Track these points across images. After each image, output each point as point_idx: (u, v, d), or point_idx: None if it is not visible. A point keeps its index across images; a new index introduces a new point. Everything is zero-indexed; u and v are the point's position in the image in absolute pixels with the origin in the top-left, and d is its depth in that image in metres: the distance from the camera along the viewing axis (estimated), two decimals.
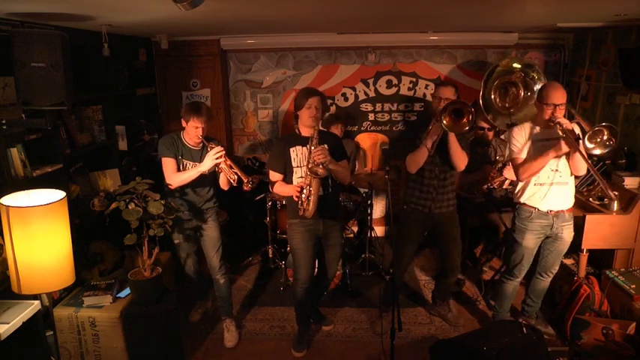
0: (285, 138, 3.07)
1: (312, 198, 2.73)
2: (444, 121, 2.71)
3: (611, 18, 3.24)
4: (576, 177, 3.58)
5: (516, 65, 4.23)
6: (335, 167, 2.79)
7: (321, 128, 2.97)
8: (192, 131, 2.95)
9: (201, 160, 2.98)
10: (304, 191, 2.74)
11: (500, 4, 2.75)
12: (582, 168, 2.78)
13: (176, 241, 3.19)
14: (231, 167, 2.96)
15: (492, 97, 4.19)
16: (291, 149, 2.88)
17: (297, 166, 2.88)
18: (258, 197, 4.22)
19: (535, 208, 2.90)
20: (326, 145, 2.80)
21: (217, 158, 2.87)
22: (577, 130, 2.67)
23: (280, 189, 2.95)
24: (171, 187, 3.00)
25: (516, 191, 3.01)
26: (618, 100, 3.81)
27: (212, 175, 3.12)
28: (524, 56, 4.67)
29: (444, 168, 3.08)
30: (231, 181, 2.97)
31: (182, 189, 3.06)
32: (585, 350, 2.66)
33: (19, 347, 2.35)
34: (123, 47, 3.99)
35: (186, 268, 3.33)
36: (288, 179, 2.93)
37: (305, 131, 2.88)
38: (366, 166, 4.96)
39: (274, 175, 2.95)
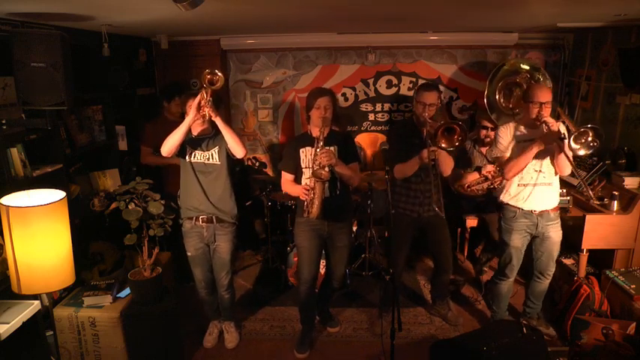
0: (298, 138, 3.09)
1: (315, 201, 2.73)
2: (442, 144, 2.77)
3: (611, 18, 3.24)
4: (576, 177, 3.60)
5: (524, 67, 4.23)
6: (341, 170, 2.77)
7: (334, 129, 2.95)
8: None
9: (209, 148, 2.87)
10: (310, 193, 2.74)
11: (500, 4, 2.75)
12: (567, 168, 2.80)
13: (189, 254, 3.03)
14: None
15: (497, 97, 4.20)
16: (301, 150, 2.90)
17: (306, 167, 2.88)
18: (248, 201, 4.21)
19: (519, 208, 2.93)
20: (332, 148, 2.78)
21: (199, 102, 2.64)
22: (563, 130, 2.68)
23: (289, 188, 2.96)
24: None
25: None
26: (618, 100, 3.81)
27: (225, 177, 2.92)
28: (524, 56, 4.66)
29: (430, 172, 3.02)
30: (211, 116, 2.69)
31: (191, 194, 2.89)
32: (585, 350, 2.66)
33: (19, 347, 2.35)
34: (123, 47, 3.99)
35: (197, 285, 3.16)
36: (298, 180, 2.93)
37: (315, 132, 2.85)
38: (366, 166, 4.96)
39: (286, 175, 2.97)
